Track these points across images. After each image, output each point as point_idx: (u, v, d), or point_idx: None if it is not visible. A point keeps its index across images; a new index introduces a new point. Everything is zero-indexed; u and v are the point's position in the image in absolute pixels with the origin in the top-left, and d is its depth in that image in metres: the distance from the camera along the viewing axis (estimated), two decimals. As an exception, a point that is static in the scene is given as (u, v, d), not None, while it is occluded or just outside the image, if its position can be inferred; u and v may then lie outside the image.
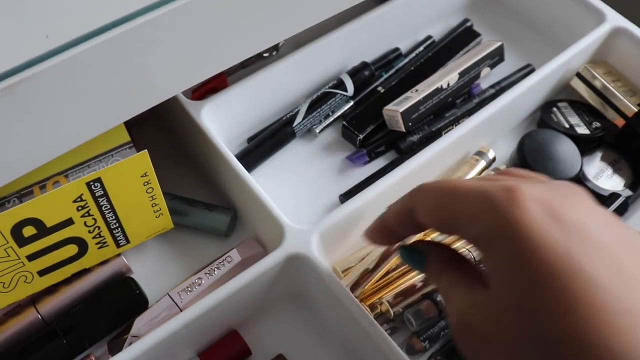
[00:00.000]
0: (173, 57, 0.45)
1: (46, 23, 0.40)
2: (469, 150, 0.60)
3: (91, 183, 0.48)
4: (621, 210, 0.57)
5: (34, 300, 0.52)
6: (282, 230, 0.51)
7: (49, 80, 0.39)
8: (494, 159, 0.59)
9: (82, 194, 0.48)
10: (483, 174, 0.58)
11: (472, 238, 0.34)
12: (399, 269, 0.54)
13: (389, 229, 0.41)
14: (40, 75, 0.38)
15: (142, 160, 0.49)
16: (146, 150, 0.48)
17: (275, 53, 0.66)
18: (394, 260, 0.53)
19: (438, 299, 0.52)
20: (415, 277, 0.53)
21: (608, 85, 0.62)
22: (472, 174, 0.58)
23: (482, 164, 0.58)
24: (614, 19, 0.64)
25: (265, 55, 0.65)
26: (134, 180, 0.50)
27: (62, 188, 0.47)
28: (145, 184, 0.50)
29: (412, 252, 0.41)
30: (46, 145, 0.44)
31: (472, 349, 0.33)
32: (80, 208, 0.49)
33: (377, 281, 0.53)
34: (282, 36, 0.51)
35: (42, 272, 0.50)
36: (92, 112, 0.44)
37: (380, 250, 0.53)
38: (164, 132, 0.63)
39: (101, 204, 0.49)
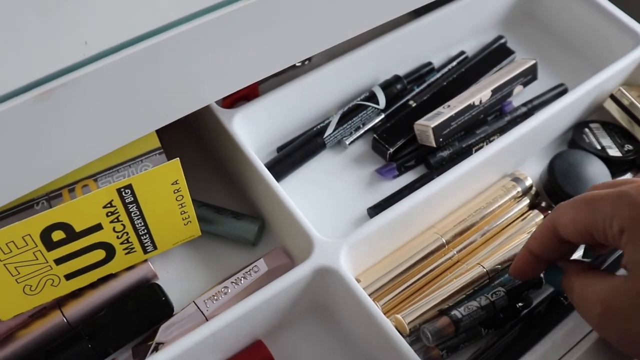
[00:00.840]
0: (208, 67, 0.45)
1: (85, 30, 0.40)
2: (500, 169, 0.59)
3: (122, 189, 0.48)
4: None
5: (59, 303, 0.52)
6: (310, 242, 0.50)
7: (85, 87, 0.39)
8: (530, 187, 0.59)
9: (112, 200, 0.48)
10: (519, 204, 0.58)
11: (615, 235, 0.39)
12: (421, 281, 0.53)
13: (534, 257, 0.46)
14: (78, 82, 0.38)
15: (173, 168, 0.49)
16: (178, 158, 0.48)
17: (307, 62, 0.66)
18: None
19: (457, 315, 0.51)
20: (435, 293, 0.53)
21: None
22: (506, 198, 0.57)
23: (518, 190, 0.58)
24: (650, 41, 0.64)
25: (297, 64, 0.65)
26: (164, 188, 0.50)
27: (93, 194, 0.47)
28: (176, 191, 0.50)
29: (552, 270, 0.46)
30: (79, 151, 0.44)
31: (618, 330, 0.39)
32: (109, 214, 0.49)
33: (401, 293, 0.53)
34: (318, 49, 0.51)
35: (69, 276, 0.50)
36: (126, 120, 0.44)
37: (406, 264, 0.53)
38: (192, 137, 0.63)
39: (131, 210, 0.49)
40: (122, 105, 0.42)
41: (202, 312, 0.51)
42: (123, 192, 0.48)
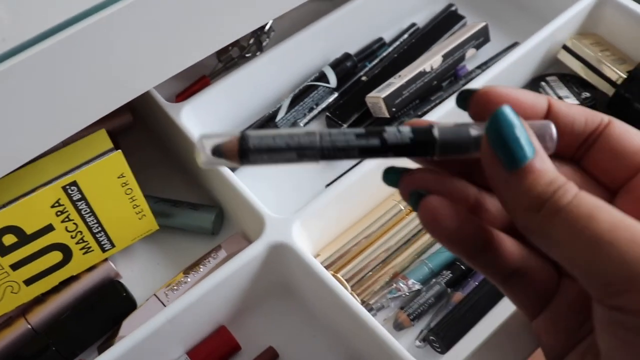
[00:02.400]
0: (137, 52, 0.45)
1: (1, 25, 0.40)
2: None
3: (67, 187, 0.48)
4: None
5: (24, 310, 0.52)
6: (262, 220, 0.50)
7: (11, 81, 0.39)
8: None
9: (59, 199, 0.48)
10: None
11: None
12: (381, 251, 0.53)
13: None
14: (2, 76, 0.39)
15: (117, 160, 0.49)
16: (120, 150, 0.49)
17: (259, 53, 0.66)
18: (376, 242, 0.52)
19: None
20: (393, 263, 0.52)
21: (595, 55, 0.60)
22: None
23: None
24: (599, -11, 0.63)
25: (248, 55, 0.65)
26: (111, 182, 0.50)
27: (38, 193, 0.47)
28: (123, 185, 0.50)
29: None
30: (18, 148, 0.44)
31: None
32: (59, 213, 0.49)
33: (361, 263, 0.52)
34: (248, 29, 0.50)
35: (28, 282, 0.50)
36: (62, 111, 0.44)
37: (364, 233, 0.53)
38: (150, 138, 0.63)
39: (80, 207, 0.49)
40: (53, 98, 0.42)
41: (162, 302, 0.51)
42: (69, 190, 0.48)
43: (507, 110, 0.25)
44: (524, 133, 0.24)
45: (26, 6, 0.42)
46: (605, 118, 0.27)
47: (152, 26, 0.44)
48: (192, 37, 0.47)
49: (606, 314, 0.22)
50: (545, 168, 0.24)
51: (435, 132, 0.26)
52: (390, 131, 0.26)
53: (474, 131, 0.26)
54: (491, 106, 0.26)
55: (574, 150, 0.27)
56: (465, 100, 0.28)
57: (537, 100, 0.27)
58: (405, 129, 0.26)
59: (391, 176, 0.28)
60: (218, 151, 0.27)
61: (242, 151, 0.26)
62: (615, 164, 0.26)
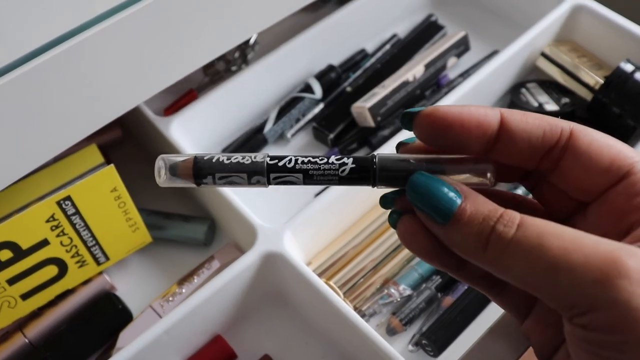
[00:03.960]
0: (125, 69, 0.45)
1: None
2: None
3: (61, 202, 0.49)
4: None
5: (21, 325, 0.53)
6: (254, 231, 0.51)
7: (3, 97, 0.40)
8: None
9: (54, 214, 0.49)
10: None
11: None
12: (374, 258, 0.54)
13: None
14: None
15: (109, 175, 0.50)
16: (112, 165, 0.49)
17: (244, 66, 0.67)
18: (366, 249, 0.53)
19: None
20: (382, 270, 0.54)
21: (573, 61, 0.62)
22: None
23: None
24: (573, -2, 0.65)
25: (233, 68, 0.67)
26: (104, 196, 0.50)
27: (33, 208, 0.48)
28: (117, 198, 0.51)
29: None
30: (9, 164, 0.44)
31: None
32: (54, 228, 0.49)
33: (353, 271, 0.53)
34: (233, 43, 0.51)
35: (24, 296, 0.51)
36: (52, 128, 0.44)
37: (354, 241, 0.54)
38: (140, 152, 0.64)
39: (74, 222, 0.50)
40: (44, 113, 0.43)
41: (158, 314, 0.52)
42: (63, 204, 0.49)
43: (418, 177, 0.26)
44: (441, 187, 0.25)
45: (14, 26, 0.42)
46: (566, 128, 0.26)
47: (139, 43, 0.45)
48: (178, 53, 0.48)
49: (574, 330, 0.23)
50: (476, 208, 0.24)
51: (376, 163, 0.27)
52: (333, 161, 0.27)
53: (415, 167, 0.27)
54: (436, 128, 0.26)
55: (536, 162, 0.27)
56: (410, 123, 0.27)
57: (486, 116, 0.26)
58: (349, 160, 0.27)
59: (386, 201, 0.29)
60: (174, 170, 0.29)
61: (195, 171, 0.28)
62: (585, 180, 0.26)
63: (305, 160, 0.28)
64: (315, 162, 0.28)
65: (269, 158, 0.28)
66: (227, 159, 0.28)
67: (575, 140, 0.26)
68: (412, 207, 0.27)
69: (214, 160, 0.28)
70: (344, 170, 0.27)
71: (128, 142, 0.63)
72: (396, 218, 0.28)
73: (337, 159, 0.27)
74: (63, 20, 0.42)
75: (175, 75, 0.50)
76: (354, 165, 0.27)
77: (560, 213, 0.28)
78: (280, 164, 0.28)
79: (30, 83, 0.41)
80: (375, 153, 0.27)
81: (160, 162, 0.29)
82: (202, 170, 0.28)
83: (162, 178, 0.29)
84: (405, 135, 0.55)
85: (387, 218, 0.29)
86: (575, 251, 0.22)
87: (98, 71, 0.44)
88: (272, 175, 0.28)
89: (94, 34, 0.42)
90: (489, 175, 0.26)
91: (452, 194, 0.25)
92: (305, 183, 0.28)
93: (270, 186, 0.28)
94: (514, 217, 0.24)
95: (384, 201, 0.29)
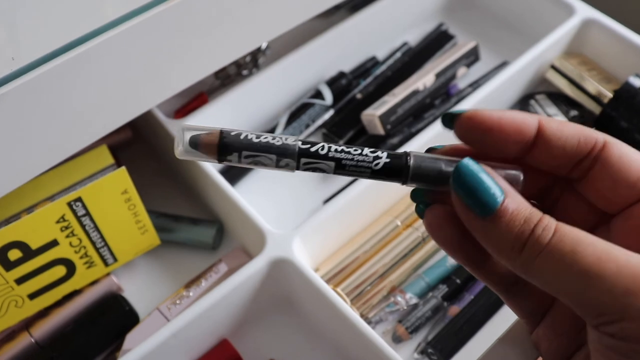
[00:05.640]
0: (140, 72, 0.46)
1: (11, 45, 0.41)
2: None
3: (72, 203, 0.49)
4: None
5: (27, 324, 0.53)
6: (263, 236, 0.51)
7: (18, 101, 0.40)
8: None
9: (64, 214, 0.49)
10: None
11: None
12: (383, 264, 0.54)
13: None
14: (9, 96, 0.39)
15: (120, 177, 0.50)
16: (124, 167, 0.49)
17: (255, 70, 0.68)
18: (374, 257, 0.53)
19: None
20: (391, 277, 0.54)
21: (582, 74, 0.62)
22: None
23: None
24: (584, 11, 0.65)
25: (244, 72, 0.67)
26: (114, 198, 0.51)
27: (43, 209, 0.48)
28: (127, 200, 0.51)
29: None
30: (21, 166, 0.44)
31: None
32: (64, 228, 0.49)
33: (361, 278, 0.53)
34: (249, 47, 0.52)
35: (32, 296, 0.51)
36: (66, 130, 0.45)
37: (362, 248, 0.54)
38: (150, 153, 0.64)
39: (84, 223, 0.50)
40: (58, 116, 0.43)
41: (165, 316, 0.52)
42: (74, 206, 0.49)
43: (468, 162, 0.25)
44: (488, 179, 0.25)
45: (35, 27, 0.43)
46: (600, 139, 0.27)
47: (155, 48, 0.45)
48: (193, 58, 0.48)
49: (600, 338, 0.23)
50: (518, 207, 0.24)
51: (410, 161, 0.27)
52: (367, 153, 0.27)
53: (447, 167, 0.27)
54: (476, 131, 0.27)
55: (567, 170, 0.27)
56: (451, 122, 0.28)
57: (525, 122, 0.27)
58: (383, 154, 0.27)
59: (417, 194, 0.29)
60: (195, 143, 0.26)
61: (221, 146, 0.26)
62: (613, 191, 0.27)
63: (339, 149, 0.27)
64: (349, 152, 0.27)
65: (300, 142, 0.27)
66: (257, 137, 0.26)
67: (607, 151, 0.26)
68: (442, 201, 0.27)
69: (241, 137, 0.26)
70: (377, 164, 0.27)
71: (137, 143, 0.63)
72: (423, 208, 0.28)
73: (371, 152, 0.27)
74: (80, 24, 0.42)
75: (189, 79, 0.50)
76: (388, 160, 0.27)
77: (583, 224, 0.27)
78: (313, 149, 0.27)
79: (48, 84, 0.41)
80: (408, 150, 0.27)
81: (183, 133, 0.27)
82: (228, 146, 0.26)
83: (181, 148, 0.27)
84: (414, 144, 0.55)
85: (414, 208, 0.29)
86: (609, 261, 0.23)
87: (114, 74, 0.44)
88: (302, 160, 0.27)
89: (111, 37, 0.42)
90: (521, 178, 0.26)
91: (496, 189, 0.25)
92: (335, 172, 0.27)
93: (296, 171, 0.27)
94: (552, 222, 0.24)
95: (415, 194, 0.29)
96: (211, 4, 0.46)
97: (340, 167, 0.27)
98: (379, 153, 0.27)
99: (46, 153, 0.46)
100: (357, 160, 0.27)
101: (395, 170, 0.27)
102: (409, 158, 0.27)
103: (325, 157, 0.27)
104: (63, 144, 0.46)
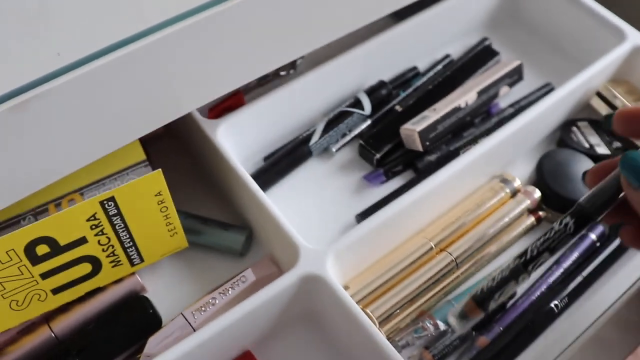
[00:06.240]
0: (188, 74, 0.45)
1: (59, 40, 0.40)
2: (489, 171, 0.59)
3: (105, 202, 0.47)
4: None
5: (47, 318, 0.52)
6: (296, 251, 0.50)
7: (61, 97, 0.39)
8: (518, 190, 0.58)
9: (95, 213, 0.48)
10: (507, 203, 0.57)
11: None
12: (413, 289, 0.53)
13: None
14: (53, 92, 0.38)
15: (156, 179, 0.49)
16: (160, 169, 0.48)
17: (292, 71, 0.66)
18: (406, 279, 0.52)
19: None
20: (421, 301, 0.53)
21: (628, 104, 0.61)
22: (494, 201, 0.57)
23: (507, 192, 0.57)
24: (635, 38, 0.63)
25: (282, 73, 0.65)
26: (147, 199, 0.49)
27: (76, 207, 0.47)
28: (160, 202, 0.50)
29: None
30: (58, 162, 0.44)
31: None
32: (94, 227, 0.48)
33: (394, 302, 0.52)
34: (298, 53, 0.51)
35: (55, 291, 0.50)
36: (105, 129, 0.44)
37: (394, 269, 0.53)
38: (180, 149, 0.63)
39: (115, 222, 0.49)
40: (100, 114, 0.43)
41: (190, 323, 0.51)
42: (106, 205, 0.48)
43: (628, 152, 0.34)
44: None
45: (83, 23, 0.42)
46: None
47: (201, 51, 0.44)
48: (239, 62, 0.47)
49: None
50: None
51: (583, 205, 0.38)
52: (559, 228, 0.38)
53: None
54: (630, 121, 0.37)
55: None
56: (610, 121, 0.38)
57: None
58: (570, 220, 0.38)
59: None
60: (464, 316, 0.40)
61: (481, 305, 0.39)
62: None
63: (540, 243, 0.38)
64: (548, 238, 0.38)
65: (519, 260, 0.38)
66: (493, 281, 0.39)
67: None
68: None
69: (489, 291, 0.39)
70: (570, 228, 0.38)
71: (167, 137, 0.62)
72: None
73: (559, 224, 0.38)
74: (129, 24, 0.41)
75: (233, 84, 0.49)
76: (574, 219, 0.38)
77: None
78: (529, 257, 0.39)
79: (92, 83, 0.40)
80: (579, 201, 0.38)
81: (452, 319, 0.41)
82: (484, 302, 0.39)
83: (457, 327, 0.41)
84: (455, 165, 0.54)
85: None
86: None
87: (158, 76, 0.43)
88: (529, 267, 0.38)
89: (158, 39, 0.41)
90: None
91: None
92: (551, 256, 0.38)
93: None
94: None
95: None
96: (265, 7, 0.45)
97: (551, 250, 0.38)
98: (566, 220, 0.38)
99: (84, 150, 0.45)
100: (557, 237, 0.38)
101: (586, 220, 0.38)
102: (581, 206, 0.38)
103: (539, 254, 0.38)
104: (101, 142, 0.45)
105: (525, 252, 0.40)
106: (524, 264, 0.40)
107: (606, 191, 0.37)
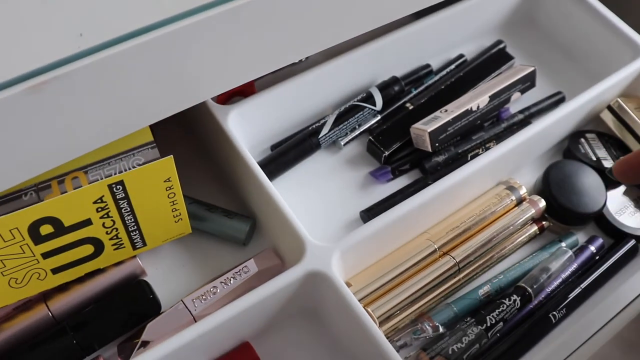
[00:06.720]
0: (205, 63, 0.44)
1: (81, 21, 0.39)
2: (496, 176, 0.59)
3: (113, 185, 0.47)
4: (630, 255, 0.57)
5: (45, 296, 0.51)
6: (302, 246, 0.50)
7: (79, 81, 0.38)
8: (524, 198, 0.58)
9: (102, 196, 0.47)
10: (513, 211, 0.57)
11: None
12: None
13: None
14: (71, 75, 0.38)
15: (167, 165, 0.48)
16: (172, 156, 0.48)
17: (304, 59, 0.65)
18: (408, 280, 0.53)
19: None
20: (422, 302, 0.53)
21: (638, 120, 0.61)
22: (499, 207, 0.57)
23: (512, 199, 0.58)
24: (650, 53, 0.63)
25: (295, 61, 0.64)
26: (156, 185, 0.49)
27: (83, 189, 0.46)
28: (168, 188, 0.49)
29: None
30: (70, 144, 0.43)
31: None
32: (99, 209, 0.48)
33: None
34: (318, 48, 0.50)
35: (55, 270, 0.50)
36: (119, 114, 0.43)
37: (397, 270, 0.53)
38: (186, 131, 0.62)
39: (121, 206, 0.48)
40: (116, 100, 0.42)
41: (190, 311, 0.50)
42: (114, 188, 0.47)
43: None
44: None
45: (108, 8, 0.41)
46: None
47: (223, 41, 0.43)
48: (262, 53, 0.47)
49: None
50: None
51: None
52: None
53: None
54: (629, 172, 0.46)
55: None
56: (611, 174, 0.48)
57: None
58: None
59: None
60: None
61: None
62: None
63: (496, 314, 0.50)
64: (502, 311, 0.51)
65: (482, 327, 0.49)
66: (462, 343, 0.49)
67: None
68: None
69: (460, 352, 0.49)
70: (517, 303, 0.52)
71: (174, 118, 0.61)
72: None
73: (508, 300, 0.51)
74: (154, 10, 0.40)
75: (251, 75, 0.48)
76: (519, 298, 0.51)
77: None
78: (489, 325, 0.50)
79: (113, 67, 0.39)
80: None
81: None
82: None
83: None
84: (464, 171, 0.54)
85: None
86: None
87: (179, 63, 0.43)
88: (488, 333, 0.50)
89: (182, 27, 0.40)
90: None
91: None
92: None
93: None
94: None
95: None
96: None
97: (505, 320, 0.48)
98: (515, 298, 0.49)
99: (98, 132, 0.44)
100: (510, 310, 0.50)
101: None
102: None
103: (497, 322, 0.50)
104: (116, 126, 0.44)
105: (485, 321, 0.51)
106: (485, 330, 0.51)
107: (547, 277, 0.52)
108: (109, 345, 0.51)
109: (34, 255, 0.47)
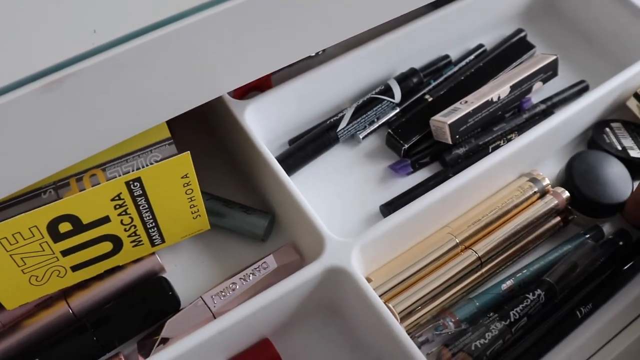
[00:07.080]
0: (221, 57, 0.43)
1: (94, 18, 0.39)
2: (518, 168, 0.58)
3: (130, 182, 0.47)
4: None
5: (65, 293, 0.51)
6: (322, 241, 0.49)
7: (94, 77, 0.38)
8: (547, 190, 0.57)
9: (120, 193, 0.47)
10: (536, 203, 0.56)
11: None
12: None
13: None
14: (86, 72, 0.37)
15: (184, 161, 0.48)
16: (188, 152, 0.47)
17: (321, 52, 0.65)
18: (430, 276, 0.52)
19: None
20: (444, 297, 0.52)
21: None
22: (522, 199, 0.56)
23: (535, 191, 0.56)
24: (676, 40, 0.62)
25: (311, 54, 0.64)
26: (174, 181, 0.49)
27: (101, 186, 0.46)
28: (185, 185, 0.49)
29: None
30: (87, 141, 0.43)
31: None
32: (117, 207, 0.48)
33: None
34: (334, 40, 0.49)
35: (75, 268, 0.50)
36: (136, 110, 0.43)
37: (418, 264, 0.52)
38: (203, 127, 0.61)
39: (139, 203, 0.48)
40: (132, 96, 0.41)
41: (209, 308, 0.50)
42: (132, 185, 0.47)
43: None
44: None
45: (122, 3, 0.40)
46: None
47: (238, 35, 0.43)
48: (276, 47, 0.46)
49: None
50: None
51: None
52: None
53: None
54: None
55: None
56: None
57: None
58: None
59: None
60: None
61: None
62: None
63: (520, 309, 0.49)
64: (526, 306, 0.49)
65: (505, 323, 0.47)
66: (485, 339, 0.47)
67: None
68: None
69: (484, 348, 0.47)
70: (542, 298, 0.50)
71: (191, 114, 0.61)
72: None
73: (532, 295, 0.49)
74: (169, 4, 0.40)
75: (266, 69, 0.47)
76: (544, 293, 0.48)
77: None
78: (512, 320, 0.48)
79: (128, 63, 0.39)
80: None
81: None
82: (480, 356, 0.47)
83: None
84: (483, 164, 0.53)
85: None
86: None
87: (195, 58, 0.42)
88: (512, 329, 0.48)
89: (197, 21, 0.40)
90: None
91: None
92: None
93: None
94: None
95: None
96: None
97: (529, 316, 0.47)
98: (539, 292, 0.47)
99: (115, 129, 0.44)
100: (535, 305, 0.48)
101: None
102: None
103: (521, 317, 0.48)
104: (133, 122, 0.44)
105: (509, 317, 0.50)
106: (509, 325, 0.50)
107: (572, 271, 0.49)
108: (129, 342, 0.51)
109: (54, 253, 0.47)
